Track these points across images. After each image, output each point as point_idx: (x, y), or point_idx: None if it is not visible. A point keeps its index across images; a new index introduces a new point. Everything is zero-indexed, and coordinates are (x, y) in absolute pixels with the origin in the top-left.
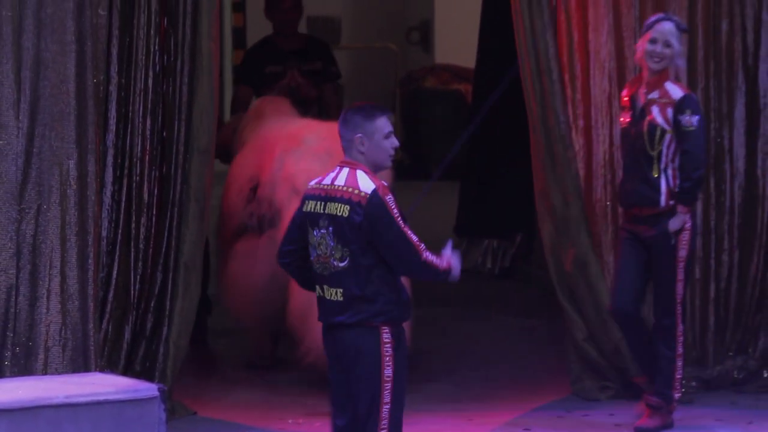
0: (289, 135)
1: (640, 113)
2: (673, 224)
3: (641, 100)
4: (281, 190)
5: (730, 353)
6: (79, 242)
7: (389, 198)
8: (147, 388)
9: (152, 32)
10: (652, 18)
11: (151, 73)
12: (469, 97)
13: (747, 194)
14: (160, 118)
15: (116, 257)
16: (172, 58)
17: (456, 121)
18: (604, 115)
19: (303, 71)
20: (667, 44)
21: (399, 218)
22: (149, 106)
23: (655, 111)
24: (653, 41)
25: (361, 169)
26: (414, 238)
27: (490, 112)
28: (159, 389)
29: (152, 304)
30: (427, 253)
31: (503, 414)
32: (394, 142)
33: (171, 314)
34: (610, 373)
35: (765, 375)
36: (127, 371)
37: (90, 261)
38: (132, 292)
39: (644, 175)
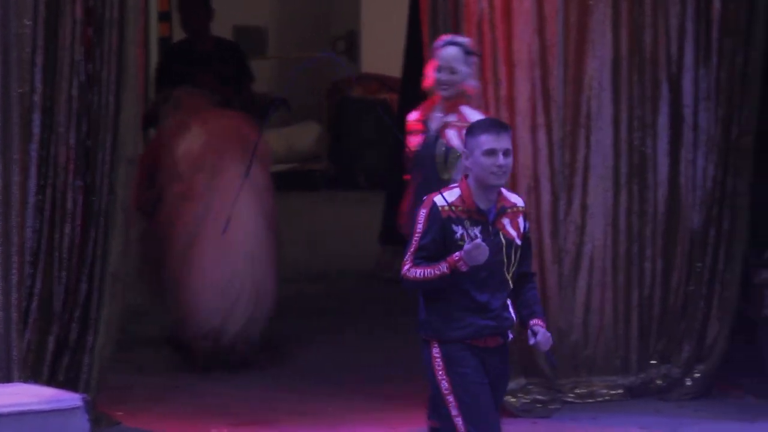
0: (179, 124)
1: (434, 136)
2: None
3: (435, 123)
4: (163, 176)
5: (654, 361)
6: (3, 252)
7: (423, 212)
8: (71, 399)
9: (77, 41)
10: (439, 42)
11: (76, 83)
12: (396, 107)
13: (670, 202)
14: (85, 127)
15: (39, 267)
16: (98, 68)
17: (382, 131)
18: (527, 123)
19: (214, 73)
20: (453, 71)
21: (417, 233)
22: (74, 115)
23: (451, 134)
24: (439, 69)
25: (458, 185)
26: (409, 251)
27: None
28: (83, 399)
29: (77, 314)
30: (414, 269)
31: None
32: (498, 160)
33: (96, 324)
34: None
35: (688, 383)
36: (50, 381)
37: (14, 271)
38: (56, 302)
39: None
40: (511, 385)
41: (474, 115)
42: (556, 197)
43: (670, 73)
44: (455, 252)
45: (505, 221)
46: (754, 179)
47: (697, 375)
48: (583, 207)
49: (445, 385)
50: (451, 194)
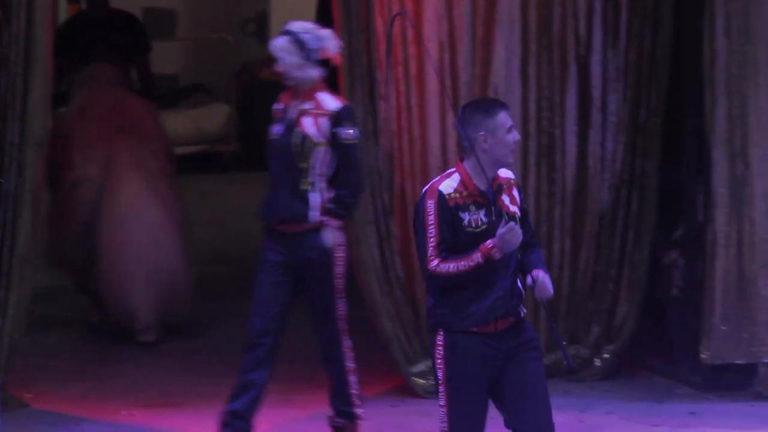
0: (80, 106)
1: (290, 124)
2: (327, 239)
3: (293, 112)
4: (63, 154)
5: (564, 342)
6: None
7: (430, 203)
8: None
9: None
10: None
11: None
12: None
13: (579, 184)
14: None
15: None
16: (5, 50)
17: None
18: (437, 103)
19: (111, 43)
20: (281, 61)
21: (431, 225)
22: None
23: (307, 122)
24: (275, 61)
25: (455, 170)
26: (430, 246)
27: None
28: None
29: None
30: (445, 264)
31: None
32: (516, 135)
33: (5, 306)
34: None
35: (597, 363)
36: None
37: None
38: None
39: (295, 189)
40: (420, 366)
41: (331, 102)
42: None
43: (578, 55)
44: (461, 237)
45: (505, 198)
46: (662, 161)
47: (606, 356)
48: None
49: (441, 374)
50: (452, 180)
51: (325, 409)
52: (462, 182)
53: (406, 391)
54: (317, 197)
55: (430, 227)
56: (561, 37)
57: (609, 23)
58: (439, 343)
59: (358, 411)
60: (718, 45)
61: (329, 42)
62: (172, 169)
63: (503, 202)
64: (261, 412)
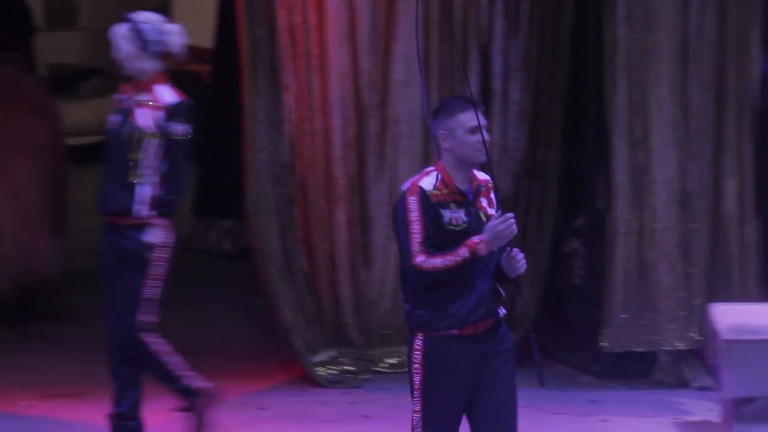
0: None
1: (126, 115)
2: (149, 237)
3: (130, 102)
4: None
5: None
6: None
7: (412, 199)
8: None
9: None
10: None
11: None
12: (207, 78)
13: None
14: None
15: None
16: None
17: (194, 102)
18: (338, 93)
19: None
20: (117, 49)
21: (415, 222)
22: None
23: (141, 113)
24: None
25: (434, 169)
26: (414, 242)
27: (228, 90)
28: None
29: None
30: (431, 260)
31: (236, 392)
32: (481, 137)
33: None
34: (349, 353)
35: None
36: None
37: None
38: None
39: (123, 180)
40: (321, 356)
41: (168, 95)
42: (365, 167)
43: (480, 43)
44: (440, 235)
45: (483, 201)
46: (564, 150)
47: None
48: (394, 177)
49: (417, 378)
50: (432, 178)
51: (232, 398)
52: (442, 180)
53: (308, 380)
54: (146, 191)
55: (414, 223)
56: (462, 26)
57: (510, 12)
58: (417, 346)
59: (192, 383)
60: (619, 33)
61: (172, 37)
62: (61, 149)
63: (481, 204)
64: (167, 402)
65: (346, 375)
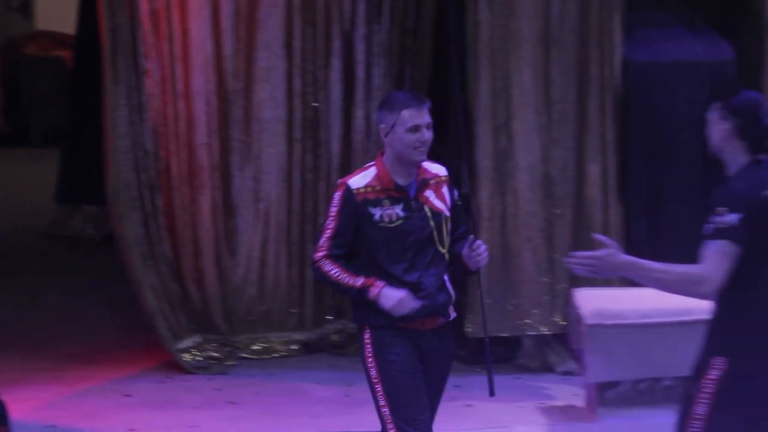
0: None
1: None
2: None
3: None
4: None
5: (329, 317)
6: None
7: (337, 195)
8: None
9: None
10: None
11: None
12: (70, 64)
13: (343, 158)
14: None
15: None
16: None
17: (57, 88)
18: (202, 77)
19: None
20: None
21: (331, 217)
22: None
23: None
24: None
25: (374, 164)
26: (324, 236)
27: (91, 76)
28: None
29: None
30: (329, 265)
31: (101, 379)
32: (423, 135)
33: None
34: (214, 339)
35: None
36: None
37: None
38: None
39: None
40: (186, 342)
41: None
42: (229, 153)
43: (342, 29)
44: (374, 233)
45: (429, 193)
46: None
47: None
48: (258, 163)
49: (373, 373)
50: (367, 174)
51: (97, 385)
52: (377, 176)
53: (173, 367)
54: None
55: (330, 219)
56: (325, 12)
57: None
58: (367, 341)
59: None
60: (481, 18)
61: None
62: None
63: (426, 197)
64: (31, 389)
65: (212, 361)
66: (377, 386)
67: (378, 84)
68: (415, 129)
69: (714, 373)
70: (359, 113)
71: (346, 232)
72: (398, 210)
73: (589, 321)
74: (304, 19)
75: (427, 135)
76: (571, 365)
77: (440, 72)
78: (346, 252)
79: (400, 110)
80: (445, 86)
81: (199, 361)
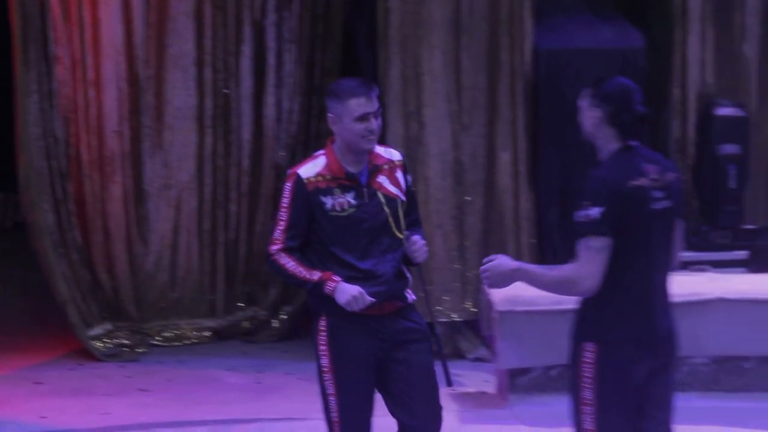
0: None
1: None
2: None
3: None
4: None
5: (241, 303)
6: None
7: (288, 185)
8: None
9: None
10: None
11: None
12: None
13: (254, 145)
14: None
15: None
16: None
17: None
18: (113, 68)
19: None
20: None
21: (284, 208)
22: None
23: None
24: None
25: (323, 152)
26: (278, 229)
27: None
28: None
29: None
30: (285, 258)
31: (12, 366)
32: (371, 124)
33: None
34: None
35: (275, 324)
36: None
37: None
38: None
39: None
40: (97, 330)
41: None
42: (140, 139)
43: (253, 16)
44: (326, 222)
45: (382, 179)
46: None
47: (284, 317)
48: (169, 149)
49: (324, 361)
50: (316, 163)
51: (8, 373)
52: (327, 165)
53: (84, 354)
54: None
55: (282, 210)
56: None
57: None
58: (322, 328)
59: None
60: (392, 4)
61: None
62: None
63: (380, 183)
64: None
65: (123, 348)
66: (326, 375)
67: (289, 70)
68: (363, 118)
69: (588, 357)
70: (270, 100)
71: (300, 223)
72: (349, 198)
73: (500, 307)
74: (214, 6)
75: (376, 123)
76: (483, 352)
77: (351, 58)
78: (302, 243)
79: (348, 99)
80: (356, 73)
81: (110, 348)
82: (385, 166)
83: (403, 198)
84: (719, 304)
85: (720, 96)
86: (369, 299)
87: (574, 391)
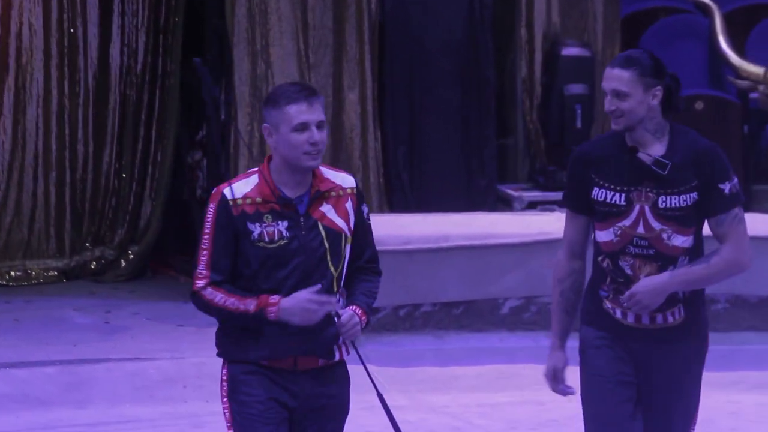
0: None
1: None
2: None
3: None
4: None
5: (88, 243)
6: None
7: (211, 207)
8: None
9: None
10: None
11: None
12: None
13: (100, 83)
14: None
15: None
16: None
17: None
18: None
19: None
20: None
21: (206, 236)
22: None
23: None
24: None
25: (257, 170)
26: (201, 261)
27: None
28: None
29: None
30: (214, 292)
31: None
32: (313, 136)
33: None
34: None
35: (123, 264)
36: None
37: None
38: None
39: None
40: None
41: None
42: None
43: None
44: (249, 251)
45: (326, 208)
46: (185, 61)
47: (131, 256)
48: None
49: (227, 415)
50: (247, 183)
51: None
52: (258, 186)
53: None
54: None
55: (205, 238)
56: None
57: None
58: (223, 377)
59: None
60: None
61: None
62: None
63: (323, 213)
64: None
65: None
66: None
67: (132, 9)
68: (303, 127)
69: None
70: (117, 39)
71: (226, 252)
72: (282, 228)
73: None
74: None
75: (319, 135)
76: None
77: None
78: (230, 274)
79: (285, 105)
80: (201, 11)
81: None
82: (332, 193)
83: (349, 233)
84: None
85: (566, 36)
86: (329, 300)
87: None
